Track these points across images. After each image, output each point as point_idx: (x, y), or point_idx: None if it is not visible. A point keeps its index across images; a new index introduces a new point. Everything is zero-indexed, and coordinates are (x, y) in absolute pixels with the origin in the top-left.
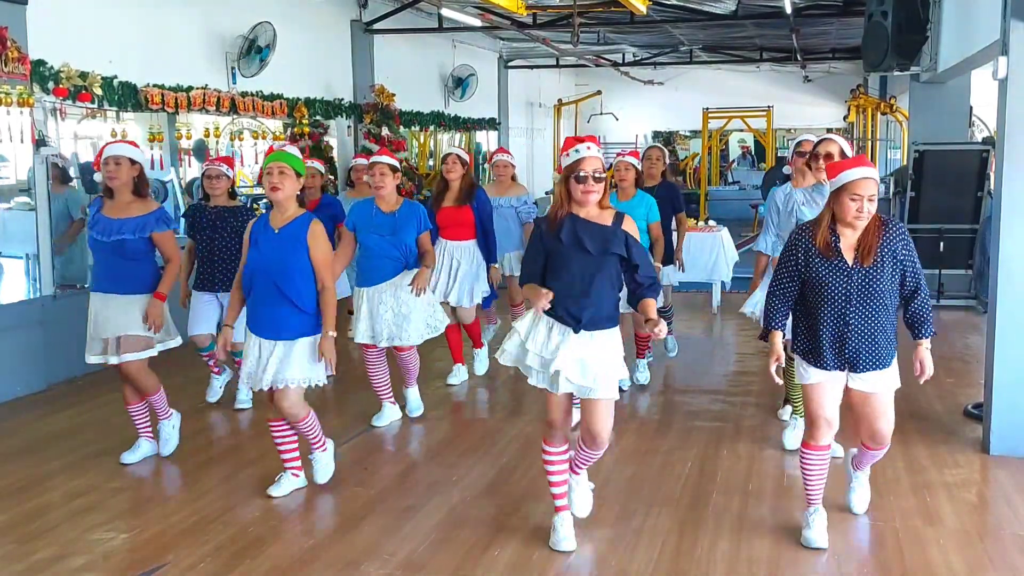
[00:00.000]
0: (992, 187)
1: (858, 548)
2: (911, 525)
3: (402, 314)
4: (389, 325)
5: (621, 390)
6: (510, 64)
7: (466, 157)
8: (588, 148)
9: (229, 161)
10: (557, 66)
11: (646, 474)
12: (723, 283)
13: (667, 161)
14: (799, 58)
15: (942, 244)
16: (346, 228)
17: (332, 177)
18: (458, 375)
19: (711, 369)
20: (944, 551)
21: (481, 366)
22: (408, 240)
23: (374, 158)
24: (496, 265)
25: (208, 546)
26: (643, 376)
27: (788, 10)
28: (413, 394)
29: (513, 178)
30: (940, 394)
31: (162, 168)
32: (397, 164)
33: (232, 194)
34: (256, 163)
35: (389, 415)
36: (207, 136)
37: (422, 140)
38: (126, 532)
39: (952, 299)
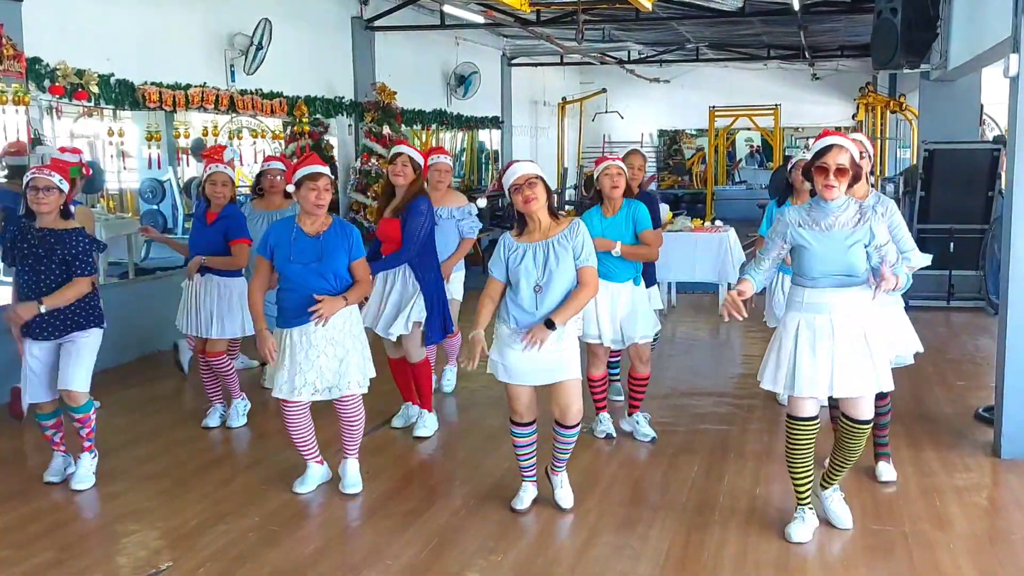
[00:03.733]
0: (1003, 186)
1: (867, 552)
2: (921, 529)
3: (337, 357)
4: (322, 372)
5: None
6: (514, 62)
7: (420, 160)
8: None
9: (62, 169)
10: (561, 64)
11: (652, 478)
12: (729, 284)
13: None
14: (807, 56)
15: (952, 244)
16: (262, 256)
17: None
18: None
19: (717, 371)
20: (954, 555)
21: (426, 429)
22: (338, 268)
23: (314, 168)
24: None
25: (208, 551)
26: (645, 430)
27: (796, 7)
28: (352, 467)
29: (449, 186)
30: (950, 397)
31: (159, 167)
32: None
33: (65, 212)
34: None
35: (316, 477)
36: (205, 135)
37: (424, 139)
38: (125, 536)
39: (962, 300)
